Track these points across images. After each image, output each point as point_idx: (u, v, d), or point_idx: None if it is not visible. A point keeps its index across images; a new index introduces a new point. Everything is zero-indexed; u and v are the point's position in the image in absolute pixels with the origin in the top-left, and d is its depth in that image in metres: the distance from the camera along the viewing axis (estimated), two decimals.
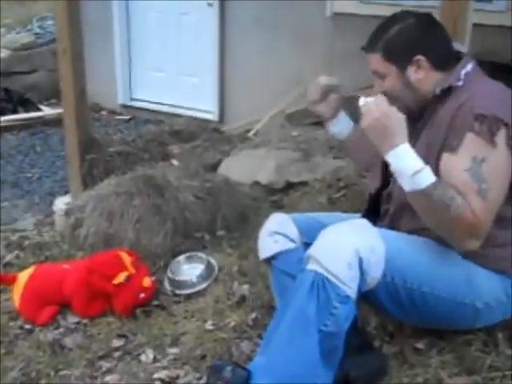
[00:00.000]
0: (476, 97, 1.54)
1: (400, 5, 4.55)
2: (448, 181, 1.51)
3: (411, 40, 1.63)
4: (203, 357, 1.98)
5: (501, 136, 1.48)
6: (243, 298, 2.21)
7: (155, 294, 2.30)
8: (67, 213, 2.78)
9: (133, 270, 2.24)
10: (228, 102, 5.66)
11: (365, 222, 1.64)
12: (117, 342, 2.11)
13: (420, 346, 1.86)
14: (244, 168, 3.43)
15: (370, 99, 1.58)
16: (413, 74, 1.64)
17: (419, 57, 1.62)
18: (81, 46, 3.28)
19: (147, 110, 6.12)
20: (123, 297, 2.20)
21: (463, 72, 1.62)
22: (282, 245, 1.83)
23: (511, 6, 4.06)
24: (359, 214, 1.95)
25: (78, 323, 2.24)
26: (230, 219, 2.74)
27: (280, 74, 5.15)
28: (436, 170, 1.55)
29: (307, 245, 1.83)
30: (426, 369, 1.77)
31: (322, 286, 1.50)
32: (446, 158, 1.54)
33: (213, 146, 4.01)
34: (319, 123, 4.46)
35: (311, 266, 1.53)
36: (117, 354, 2.06)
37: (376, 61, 1.66)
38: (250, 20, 5.20)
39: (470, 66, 1.64)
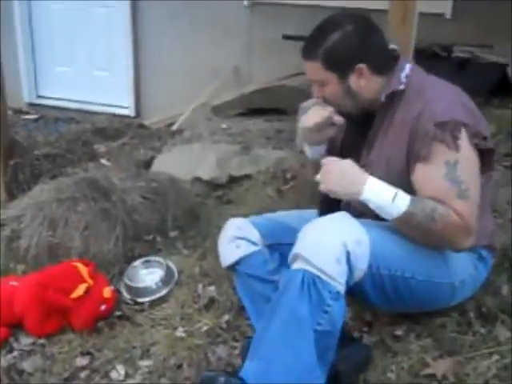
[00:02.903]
0: (432, 103, 1.57)
1: None
2: (427, 189, 1.56)
3: (352, 49, 1.60)
4: (179, 366, 1.89)
5: (463, 137, 1.53)
6: (212, 300, 2.13)
7: (116, 304, 2.17)
8: (1, 224, 2.55)
9: (91, 281, 2.09)
10: (144, 97, 5.48)
11: (345, 214, 1.61)
12: (81, 361, 1.96)
13: (399, 332, 1.88)
14: (181, 164, 3.32)
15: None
16: (354, 81, 1.63)
17: (361, 65, 1.61)
18: None
19: (56, 107, 5.80)
20: (84, 311, 2.05)
21: (403, 75, 1.64)
22: (244, 249, 1.79)
23: None
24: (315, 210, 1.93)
25: (33, 344, 2.05)
26: (181, 219, 2.63)
27: (198, 65, 5.06)
28: (398, 178, 1.59)
29: (269, 247, 1.82)
30: (409, 355, 1.79)
31: (312, 284, 1.47)
32: (421, 169, 1.57)
33: (141, 143, 3.87)
34: (244, 114, 4.45)
35: (299, 265, 1.50)
36: (83, 374, 1.91)
37: (315, 69, 1.64)
38: (164, 10, 5.05)
39: (408, 68, 1.65)
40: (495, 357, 1.74)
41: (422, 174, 1.57)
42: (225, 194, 3.01)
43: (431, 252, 1.65)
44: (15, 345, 2.07)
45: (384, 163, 1.64)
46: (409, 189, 1.58)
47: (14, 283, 2.15)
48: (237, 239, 1.79)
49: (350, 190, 1.58)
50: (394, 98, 1.63)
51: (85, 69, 5.66)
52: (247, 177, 3.06)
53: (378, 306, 1.78)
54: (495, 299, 1.91)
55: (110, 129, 4.04)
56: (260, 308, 1.80)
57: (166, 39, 5.14)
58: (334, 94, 1.65)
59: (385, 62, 1.66)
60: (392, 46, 1.71)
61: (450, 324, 1.87)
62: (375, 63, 1.62)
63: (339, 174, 1.59)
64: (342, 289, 1.50)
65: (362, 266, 1.53)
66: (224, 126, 4.01)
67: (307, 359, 1.48)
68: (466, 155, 1.55)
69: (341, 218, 1.59)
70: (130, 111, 5.49)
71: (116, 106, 5.53)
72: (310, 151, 1.85)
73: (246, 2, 4.80)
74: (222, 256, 1.84)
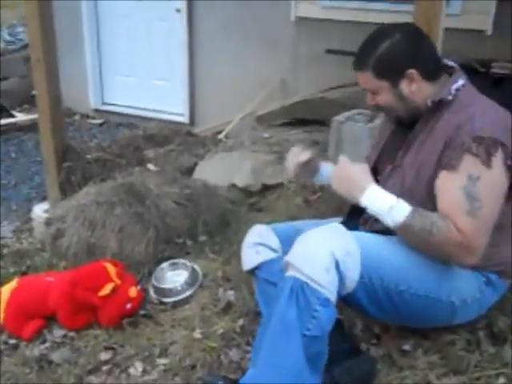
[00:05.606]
0: (475, 118, 1.49)
1: (362, 8, 4.51)
2: (442, 199, 1.49)
3: (401, 55, 1.56)
4: (193, 367, 1.88)
5: (498, 157, 1.45)
6: (229, 305, 2.11)
7: (142, 303, 2.17)
8: (48, 223, 2.62)
9: (118, 281, 2.10)
10: (198, 105, 5.51)
11: (338, 226, 1.59)
12: (105, 355, 1.97)
13: (406, 347, 1.80)
14: (220, 171, 3.31)
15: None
16: (406, 87, 1.58)
17: (411, 70, 1.55)
18: (54, 55, 3.10)
19: (119, 113, 5.92)
20: (109, 308, 2.06)
21: (454, 87, 1.56)
22: (263, 255, 1.78)
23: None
24: (338, 219, 1.88)
25: (64, 336, 2.09)
26: (211, 224, 2.62)
27: (248, 76, 5.04)
28: (427, 185, 1.53)
29: (287, 254, 1.77)
30: (414, 371, 1.71)
31: (301, 290, 1.45)
32: (444, 176, 1.50)
33: (187, 150, 3.88)
34: (288, 124, 4.41)
35: (289, 273, 1.48)
36: (105, 368, 1.93)
37: (367, 79, 1.60)
38: (218, 25, 5.06)
39: (460, 82, 1.58)
40: (502, 380, 1.64)
41: (443, 182, 1.50)
42: (257, 201, 2.97)
43: (432, 268, 1.57)
44: (48, 336, 2.12)
45: (416, 168, 1.58)
46: (435, 197, 1.52)
47: (51, 279, 2.19)
48: (257, 245, 1.78)
49: (351, 194, 1.58)
50: (440, 106, 1.57)
51: (145, 78, 5.75)
52: (279, 185, 3.02)
53: (376, 317, 1.70)
54: (508, 319, 1.80)
55: (160, 135, 4.06)
56: None
57: (220, 52, 5.15)
58: (387, 101, 1.61)
59: (435, 69, 1.60)
60: (449, 62, 1.64)
61: (459, 341, 1.78)
62: (425, 69, 1.57)
63: (347, 176, 1.58)
64: (331, 297, 1.46)
65: (353, 276, 1.50)
66: (266, 135, 3.97)
67: (294, 363, 1.45)
68: (494, 175, 1.46)
69: (333, 229, 1.57)
70: (184, 118, 5.53)
71: (173, 114, 5.58)
72: (320, 181, 1.87)
73: (292, 17, 4.74)
74: (243, 261, 1.83)
